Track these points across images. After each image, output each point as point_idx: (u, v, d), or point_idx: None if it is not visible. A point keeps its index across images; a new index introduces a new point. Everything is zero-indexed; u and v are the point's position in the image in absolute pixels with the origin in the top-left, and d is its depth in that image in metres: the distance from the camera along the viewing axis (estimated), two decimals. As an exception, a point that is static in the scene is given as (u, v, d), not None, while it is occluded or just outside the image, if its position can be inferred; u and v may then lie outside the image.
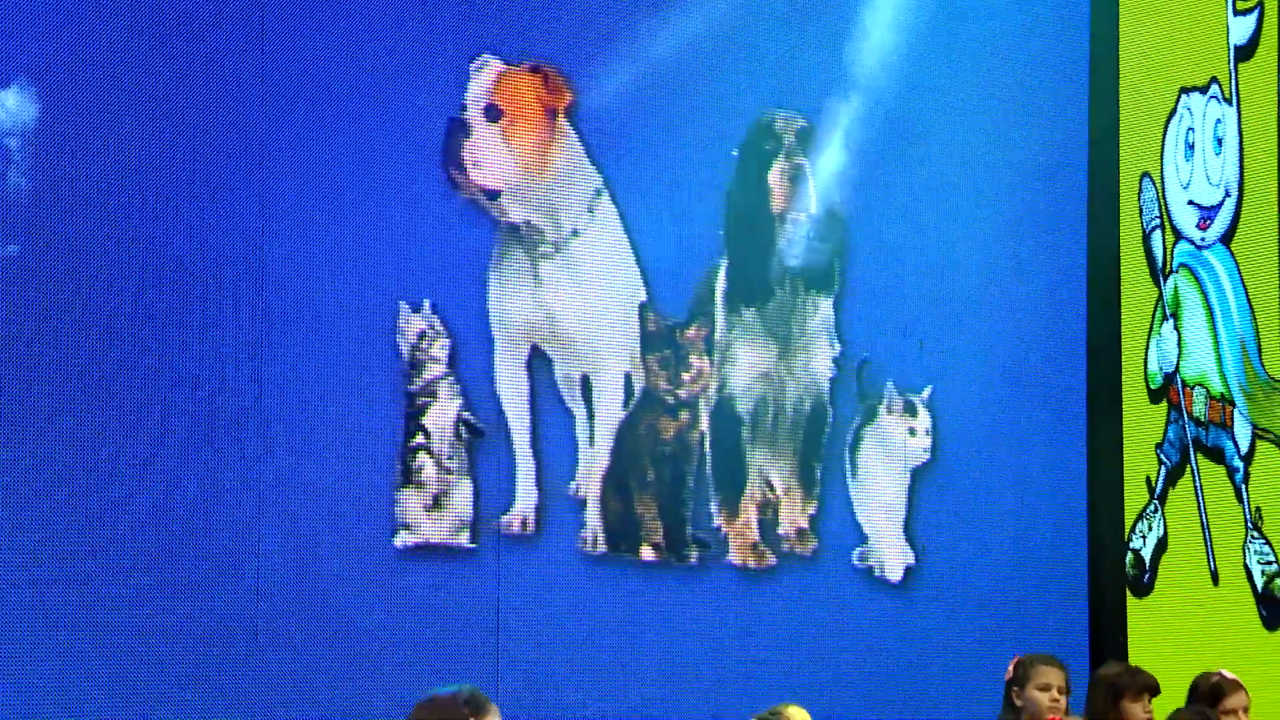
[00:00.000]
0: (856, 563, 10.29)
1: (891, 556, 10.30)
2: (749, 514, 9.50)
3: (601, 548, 8.95)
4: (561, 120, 8.81)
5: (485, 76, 8.49)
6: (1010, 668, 8.93)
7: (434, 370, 8.48)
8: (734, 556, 9.60)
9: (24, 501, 8.14)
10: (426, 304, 8.57)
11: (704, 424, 9.44)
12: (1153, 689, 9.53)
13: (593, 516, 8.99)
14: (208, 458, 8.40)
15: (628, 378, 9.20)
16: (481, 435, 8.65)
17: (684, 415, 9.39)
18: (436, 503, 8.53)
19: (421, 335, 8.48)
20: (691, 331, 9.53)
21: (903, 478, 10.42)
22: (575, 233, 8.88)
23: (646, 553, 9.12)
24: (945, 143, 11.11)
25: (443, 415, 8.59)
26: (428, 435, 8.53)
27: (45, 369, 8.10)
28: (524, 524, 8.74)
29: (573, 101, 8.87)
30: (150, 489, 8.35)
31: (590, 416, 9.03)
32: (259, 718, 8.78)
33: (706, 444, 9.41)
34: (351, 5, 8.54)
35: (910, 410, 10.38)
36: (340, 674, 8.80)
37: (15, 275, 7.98)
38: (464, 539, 8.65)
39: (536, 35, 8.86)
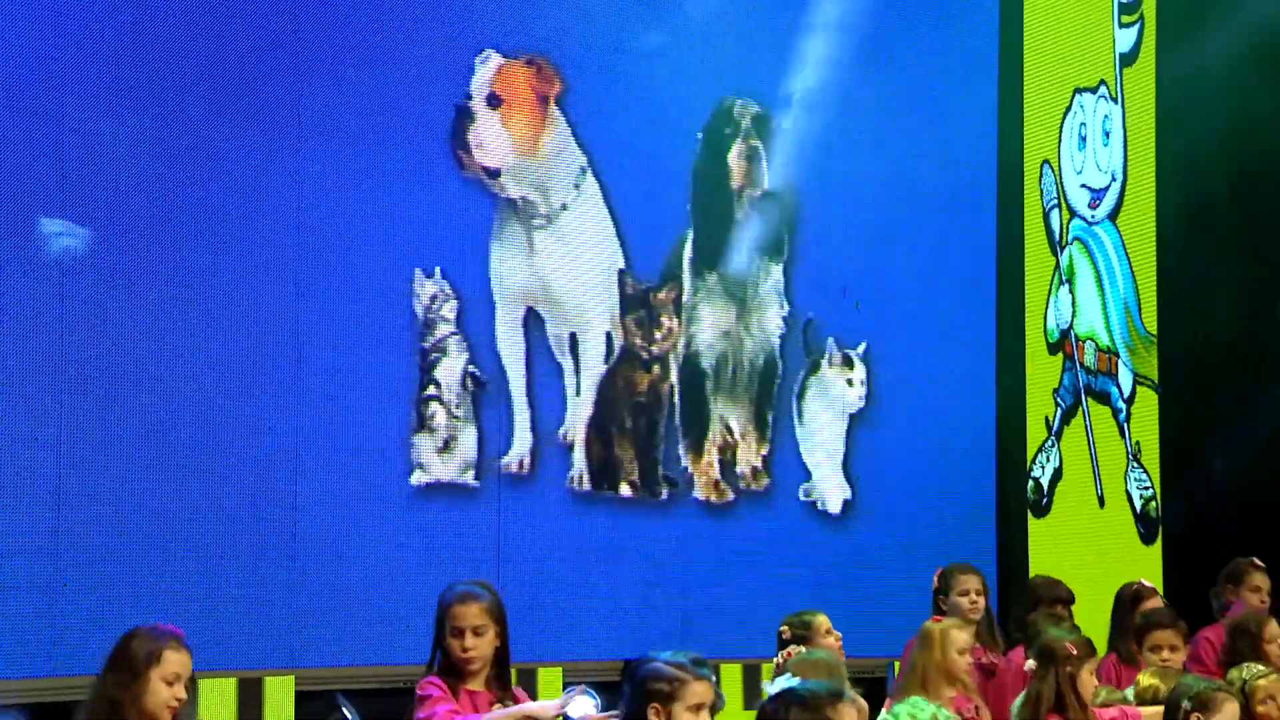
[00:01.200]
0: (802, 497, 10.28)
1: (832, 491, 10.27)
2: (711, 456, 9.51)
3: (586, 486, 8.96)
4: (552, 106, 8.78)
5: (487, 68, 8.47)
6: (935, 579, 8.92)
7: (444, 329, 8.52)
8: (699, 493, 9.64)
9: (100, 441, 8.18)
10: (438, 270, 8.60)
11: (673, 377, 9.43)
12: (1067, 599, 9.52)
13: (579, 458, 9.01)
14: (251, 409, 8.40)
15: (609, 336, 9.18)
16: (485, 387, 8.64)
17: (656, 369, 9.38)
18: (446, 446, 8.57)
19: (433, 298, 8.52)
20: (662, 294, 9.52)
21: (841, 423, 10.37)
22: (564, 207, 8.88)
23: (625, 490, 9.13)
24: (878, 135, 11.00)
25: (452, 369, 8.61)
26: (439, 386, 8.56)
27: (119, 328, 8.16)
28: (520, 465, 8.77)
29: (561, 90, 8.84)
30: (203, 426, 8.39)
31: (577, 370, 9.00)
32: (295, 624, 8.74)
33: (675, 395, 9.39)
34: (369, 7, 8.50)
35: (848, 363, 10.33)
36: (366, 592, 8.80)
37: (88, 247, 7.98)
38: (469, 478, 8.69)
39: (531, 30, 8.84)
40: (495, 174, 8.50)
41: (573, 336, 8.92)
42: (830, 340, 10.37)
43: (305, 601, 8.75)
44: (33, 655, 7.97)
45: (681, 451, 9.32)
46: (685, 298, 9.49)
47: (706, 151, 9.72)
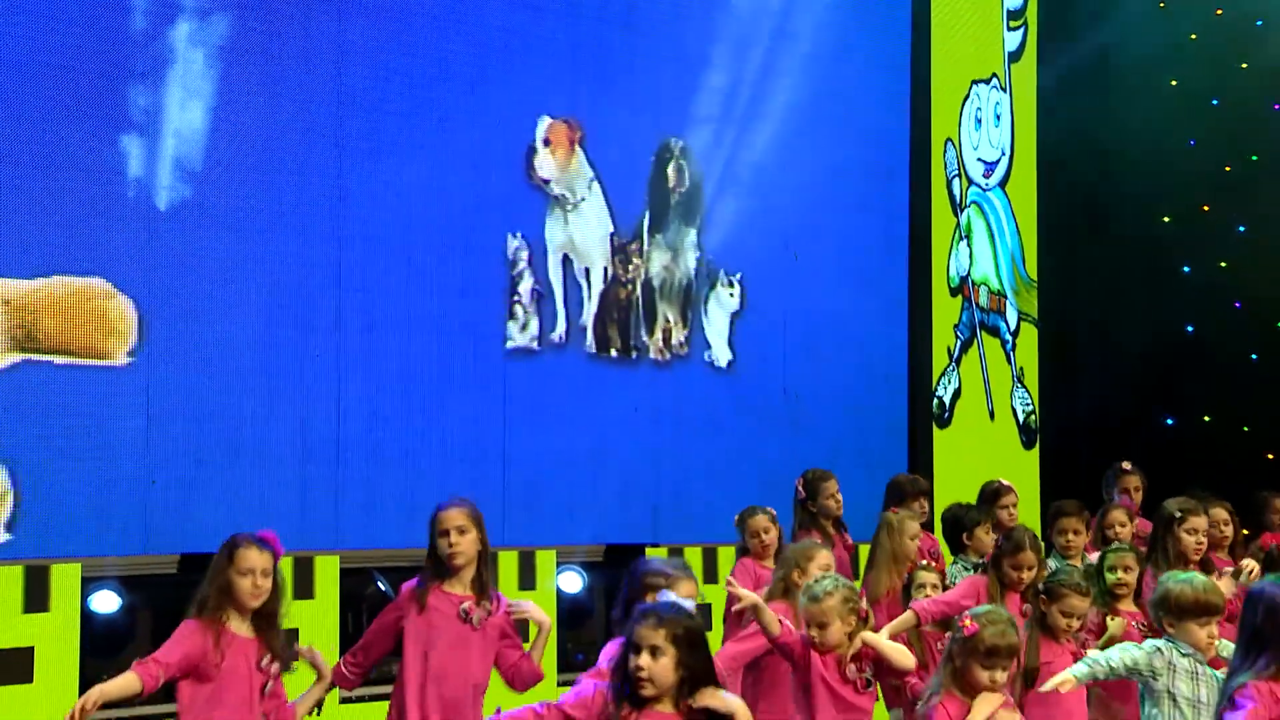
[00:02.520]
0: (704, 359, 10.39)
1: (722, 354, 10.50)
2: (658, 334, 10.09)
3: (593, 350, 9.85)
4: (577, 146, 9.78)
5: (543, 125, 9.62)
6: (799, 486, 8.74)
7: (521, 265, 9.52)
8: (652, 355, 10.10)
9: (186, 365, 8.21)
10: (519, 233, 9.54)
11: (639, 292, 10.05)
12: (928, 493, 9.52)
13: (590, 335, 9.81)
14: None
15: (605, 269, 9.89)
16: (541, 296, 9.58)
17: (629, 288, 10.01)
18: (524, 326, 9.56)
19: (517, 249, 9.52)
20: (633, 247, 10.06)
21: (726, 316, 10.56)
22: (582, 199, 9.82)
23: (613, 353, 9.92)
24: (813, 120, 10.93)
25: (525, 286, 9.52)
26: (519, 295, 9.53)
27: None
28: (561, 338, 9.67)
29: (582, 135, 9.80)
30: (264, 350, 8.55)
31: (589, 288, 9.84)
32: (339, 514, 8.72)
33: (639, 302, 10.04)
34: (469, 83, 9.40)
35: (730, 285, 10.51)
36: (395, 487, 8.88)
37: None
38: (534, 344, 9.61)
39: (567, 98, 9.82)
40: (547, 181, 9.66)
41: (586, 270, 9.83)
42: (721, 271, 10.51)
43: (347, 496, 8.74)
44: (129, 538, 7.94)
45: (643, 333, 10.04)
46: (645, 249, 10.11)
47: (657, 167, 10.15)
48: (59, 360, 7.79)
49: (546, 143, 9.60)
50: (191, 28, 8.32)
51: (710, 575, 9.56)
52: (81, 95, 8.00)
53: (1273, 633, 4.90)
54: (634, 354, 9.95)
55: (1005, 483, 9.50)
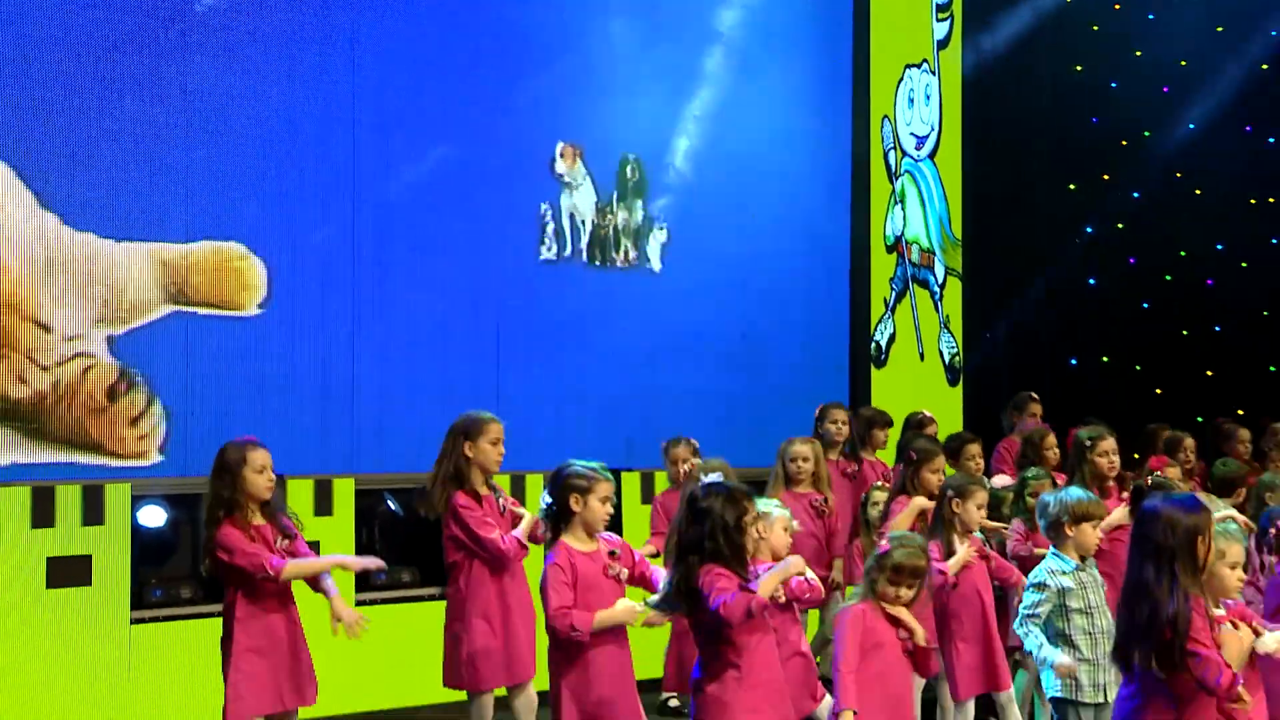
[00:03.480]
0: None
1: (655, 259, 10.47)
2: (627, 251, 10.08)
3: (585, 259, 9.84)
4: (579, 158, 9.78)
5: (559, 147, 9.69)
6: (817, 411, 9.01)
7: (550, 221, 9.68)
8: (619, 263, 10.00)
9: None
10: (548, 203, 9.65)
11: (611, 234, 9.99)
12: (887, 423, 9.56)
13: (580, 248, 9.81)
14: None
15: (594, 223, 9.92)
16: (560, 234, 9.67)
17: (606, 230, 9.98)
18: (549, 249, 9.69)
19: (546, 210, 9.65)
20: (609, 212, 10.02)
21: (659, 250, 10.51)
22: (579, 185, 9.84)
23: (597, 262, 9.91)
24: (764, 101, 10.87)
25: (550, 230, 9.65)
26: (547, 234, 9.65)
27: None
28: (566, 255, 9.74)
29: (583, 150, 9.81)
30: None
31: (585, 233, 9.86)
32: (355, 440, 8.68)
33: (616, 236, 10.02)
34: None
35: (661, 229, 10.42)
36: (405, 417, 8.84)
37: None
38: (553, 255, 9.69)
39: (574, 128, 9.83)
40: (561, 177, 9.70)
41: (585, 221, 9.88)
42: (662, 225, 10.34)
43: (361, 425, 8.70)
44: (171, 460, 7.94)
45: (615, 249, 10.01)
46: (616, 210, 10.05)
47: (620, 170, 10.07)
48: (202, 311, 8.09)
49: (562, 155, 9.67)
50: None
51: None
52: (221, 87, 8.22)
53: (1178, 545, 4.71)
54: (597, 261, 9.86)
55: (928, 414, 9.58)
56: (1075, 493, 6.20)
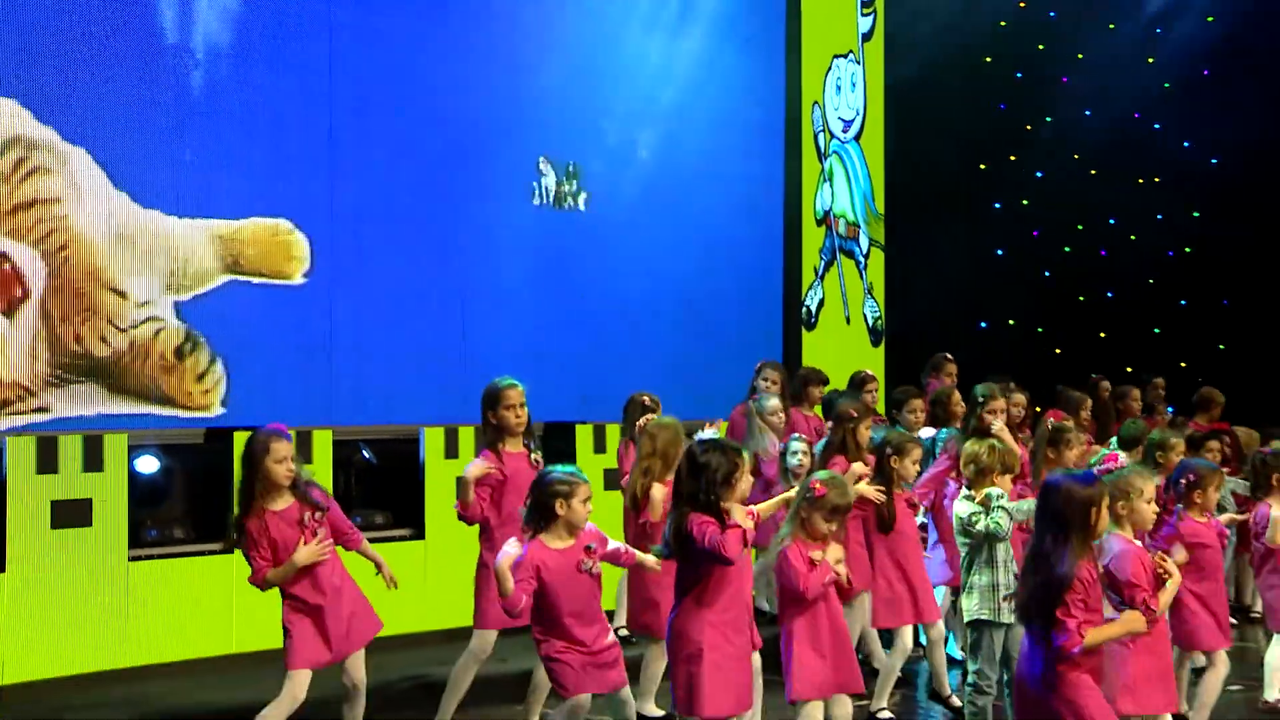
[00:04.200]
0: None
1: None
2: (577, 200, 9.91)
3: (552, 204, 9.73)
4: (548, 163, 9.67)
5: (541, 160, 9.63)
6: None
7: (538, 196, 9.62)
8: (567, 207, 9.83)
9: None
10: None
11: (569, 202, 9.84)
12: (823, 380, 9.54)
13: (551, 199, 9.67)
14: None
15: (558, 185, 9.77)
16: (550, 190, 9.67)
17: (570, 201, 9.83)
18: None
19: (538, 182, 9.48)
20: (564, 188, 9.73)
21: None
22: (547, 174, 9.73)
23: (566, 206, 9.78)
24: (705, 90, 10.77)
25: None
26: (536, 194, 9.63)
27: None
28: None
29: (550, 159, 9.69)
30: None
31: (556, 190, 9.76)
32: (332, 396, 8.59)
33: (575, 196, 9.87)
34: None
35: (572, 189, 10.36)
36: (377, 376, 8.76)
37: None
38: (543, 204, 9.69)
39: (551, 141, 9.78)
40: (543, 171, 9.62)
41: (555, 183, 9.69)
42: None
43: (339, 382, 8.63)
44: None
45: (567, 202, 9.82)
46: (576, 194, 9.88)
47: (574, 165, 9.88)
48: (255, 280, 8.25)
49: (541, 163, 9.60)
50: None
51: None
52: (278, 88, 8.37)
53: (1074, 516, 4.77)
54: (548, 203, 9.77)
55: (870, 373, 9.58)
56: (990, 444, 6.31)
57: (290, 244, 8.42)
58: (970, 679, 6.00)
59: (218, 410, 8.06)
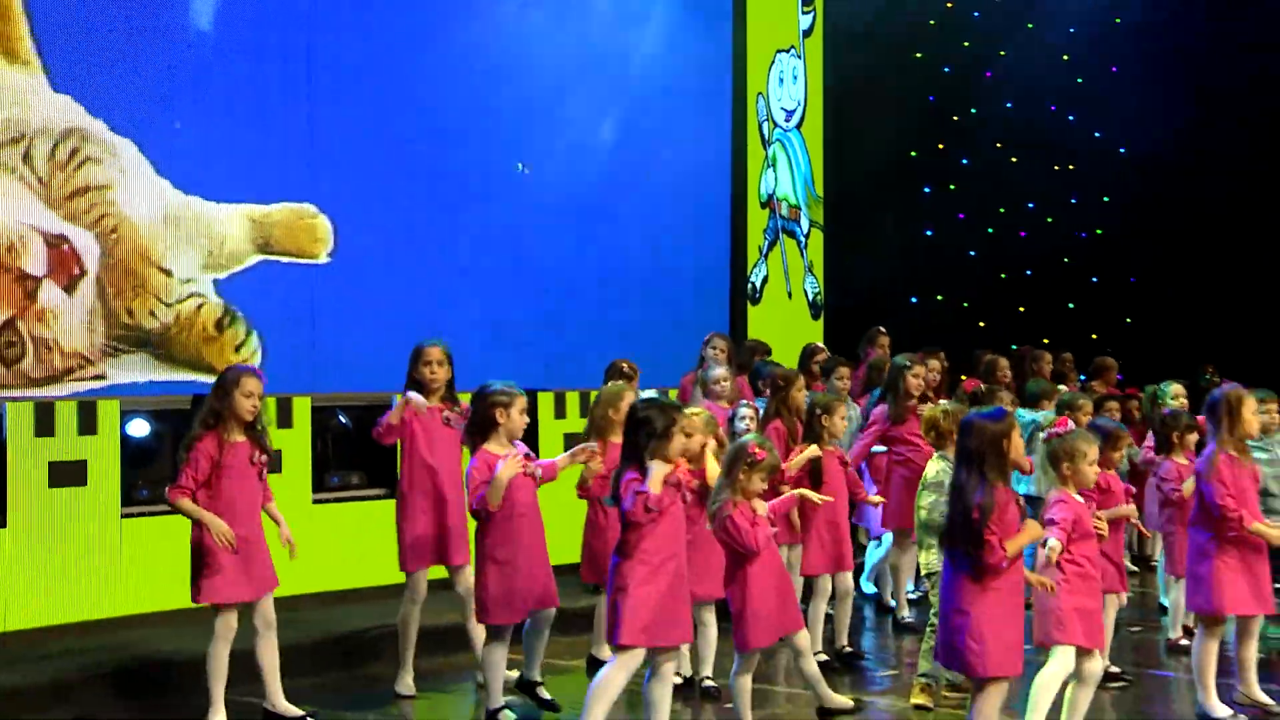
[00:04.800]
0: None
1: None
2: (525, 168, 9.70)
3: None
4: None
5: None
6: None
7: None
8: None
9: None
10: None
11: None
12: (767, 350, 9.58)
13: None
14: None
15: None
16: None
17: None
18: None
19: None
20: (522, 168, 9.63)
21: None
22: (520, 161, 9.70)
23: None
24: (659, 82, 10.69)
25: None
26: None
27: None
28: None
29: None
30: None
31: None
32: (310, 365, 8.52)
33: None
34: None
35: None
36: (355, 345, 8.67)
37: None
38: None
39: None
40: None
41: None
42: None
43: (319, 353, 8.55)
44: (151, 381, 7.86)
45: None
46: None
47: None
48: (284, 260, 8.40)
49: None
50: None
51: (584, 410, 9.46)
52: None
53: (987, 449, 4.88)
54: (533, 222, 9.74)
55: (820, 345, 9.66)
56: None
57: (315, 226, 8.52)
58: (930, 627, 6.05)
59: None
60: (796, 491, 6.16)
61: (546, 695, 5.98)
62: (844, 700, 5.99)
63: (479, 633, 6.09)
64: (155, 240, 7.77)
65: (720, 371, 8.14)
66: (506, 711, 5.78)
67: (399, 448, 6.61)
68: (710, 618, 6.19)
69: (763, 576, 5.54)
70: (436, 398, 6.39)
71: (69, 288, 7.37)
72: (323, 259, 8.57)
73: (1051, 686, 5.39)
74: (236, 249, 8.17)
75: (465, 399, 6.34)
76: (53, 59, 7.33)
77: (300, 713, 5.90)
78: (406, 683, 6.43)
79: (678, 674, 6.04)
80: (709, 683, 6.40)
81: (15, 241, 7.17)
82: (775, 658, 6.90)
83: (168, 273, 7.82)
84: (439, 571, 6.53)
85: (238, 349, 8.07)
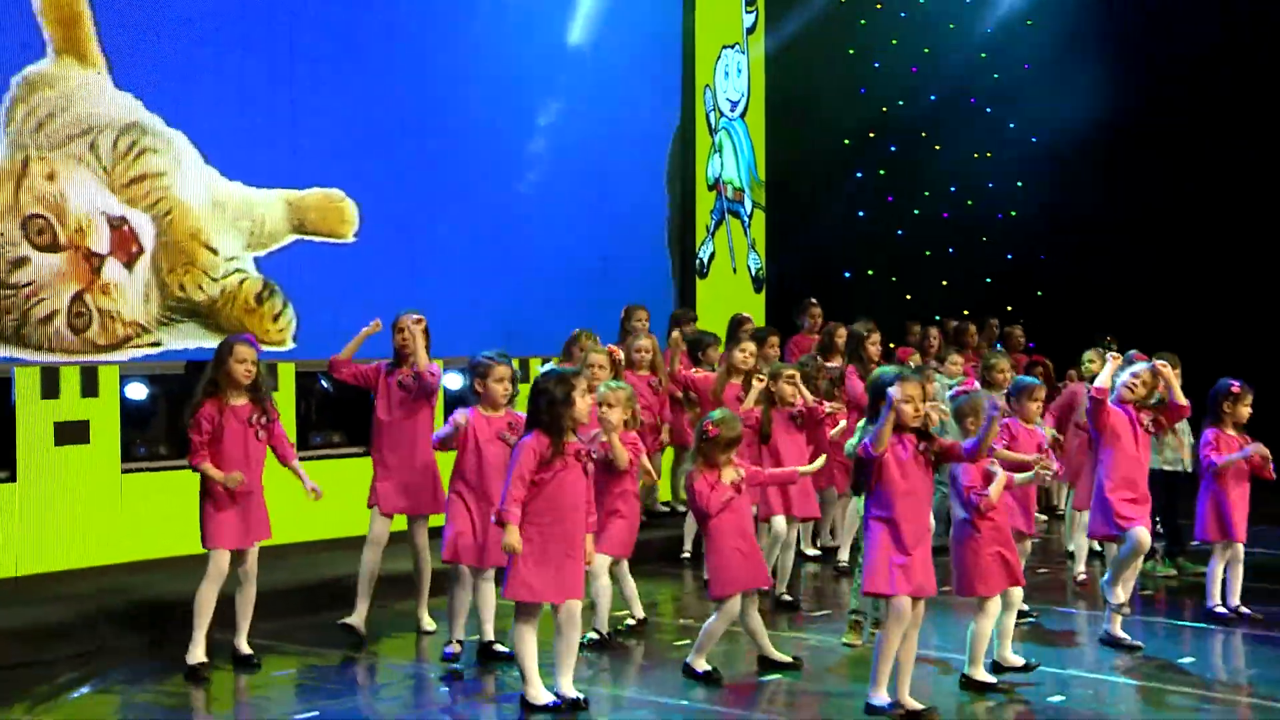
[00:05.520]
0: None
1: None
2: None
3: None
4: None
5: None
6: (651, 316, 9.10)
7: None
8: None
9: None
10: None
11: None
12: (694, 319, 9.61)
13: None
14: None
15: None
16: None
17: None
18: None
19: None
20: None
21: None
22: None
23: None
24: (613, 75, 10.69)
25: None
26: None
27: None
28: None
29: None
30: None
31: None
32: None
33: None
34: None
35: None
36: (334, 316, 8.51)
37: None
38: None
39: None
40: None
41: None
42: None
43: (345, 322, 8.41)
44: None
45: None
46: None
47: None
48: (315, 239, 8.69)
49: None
50: None
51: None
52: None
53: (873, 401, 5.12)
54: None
55: (746, 315, 9.69)
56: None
57: (344, 210, 8.80)
58: None
59: (289, 345, 8.44)
60: (796, 469, 6.21)
61: (502, 647, 5.98)
62: (783, 656, 5.92)
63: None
64: (203, 221, 8.05)
65: (643, 341, 8.23)
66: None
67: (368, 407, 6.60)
68: (606, 573, 6.17)
69: (722, 535, 5.60)
70: (407, 364, 6.40)
71: (129, 264, 7.65)
72: (350, 239, 8.81)
73: (985, 634, 5.52)
74: (275, 229, 8.43)
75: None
76: (116, 60, 7.63)
77: (249, 653, 5.94)
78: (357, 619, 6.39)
79: (596, 630, 6.15)
80: (628, 625, 6.47)
81: (83, 223, 7.44)
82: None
83: (214, 251, 8.09)
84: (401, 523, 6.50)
85: (275, 319, 8.32)
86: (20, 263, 7.15)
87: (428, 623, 6.51)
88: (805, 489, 7.05)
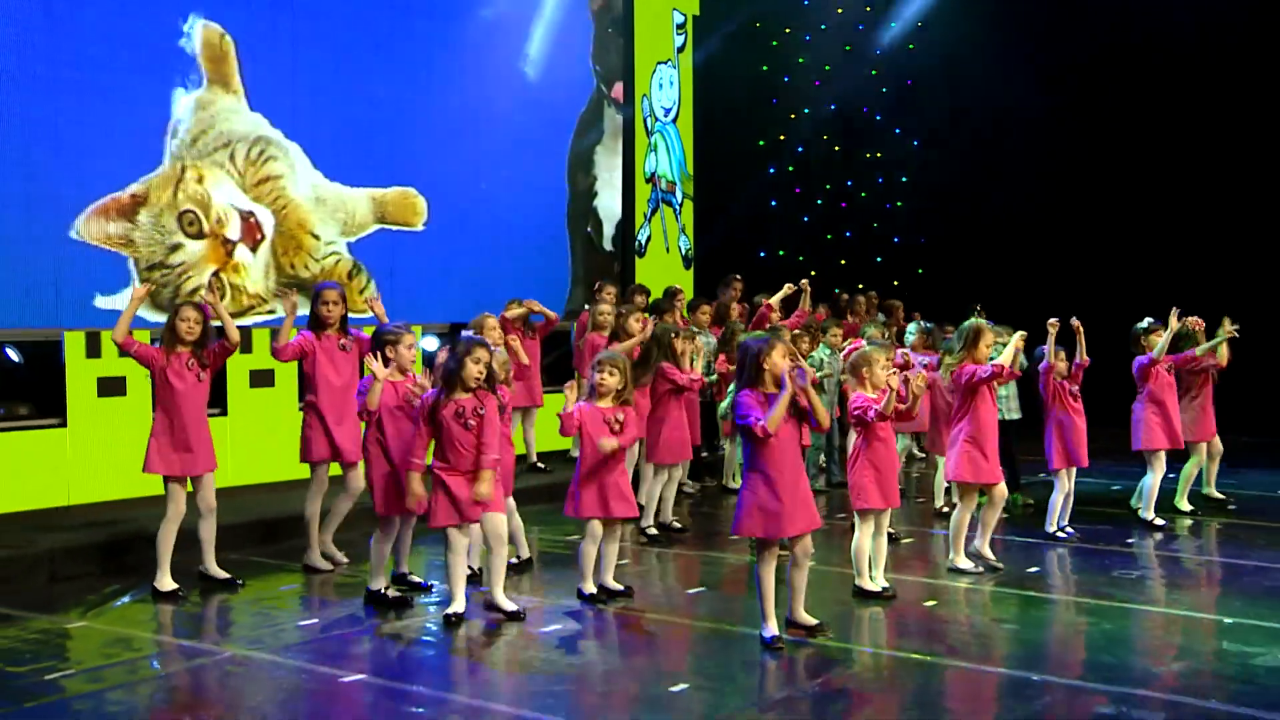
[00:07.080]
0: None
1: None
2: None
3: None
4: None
5: None
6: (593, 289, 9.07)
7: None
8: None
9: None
10: None
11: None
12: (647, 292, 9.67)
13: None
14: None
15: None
16: None
17: None
18: None
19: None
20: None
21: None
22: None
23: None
24: (567, 88, 10.70)
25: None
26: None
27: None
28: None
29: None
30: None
31: None
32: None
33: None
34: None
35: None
36: None
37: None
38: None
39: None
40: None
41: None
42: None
43: (414, 293, 8.46)
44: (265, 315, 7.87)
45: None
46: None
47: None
48: (393, 228, 9.22)
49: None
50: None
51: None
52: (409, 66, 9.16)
53: (748, 363, 4.81)
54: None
55: (677, 287, 9.80)
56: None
57: (416, 204, 9.35)
58: None
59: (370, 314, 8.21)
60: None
61: (417, 578, 5.96)
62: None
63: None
64: (309, 214, 8.62)
65: (605, 308, 8.35)
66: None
67: (301, 367, 6.45)
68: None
69: (587, 459, 5.45)
70: (334, 329, 6.26)
71: (254, 248, 8.24)
72: (420, 228, 9.35)
73: (865, 548, 5.52)
74: (362, 220, 9.00)
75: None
76: (252, 88, 8.26)
77: (228, 576, 5.91)
78: (316, 557, 6.31)
79: (514, 557, 6.07)
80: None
81: (222, 216, 8.07)
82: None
83: (317, 237, 8.68)
84: (335, 469, 6.38)
85: (361, 292, 8.72)
86: (176, 248, 7.82)
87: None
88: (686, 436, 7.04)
